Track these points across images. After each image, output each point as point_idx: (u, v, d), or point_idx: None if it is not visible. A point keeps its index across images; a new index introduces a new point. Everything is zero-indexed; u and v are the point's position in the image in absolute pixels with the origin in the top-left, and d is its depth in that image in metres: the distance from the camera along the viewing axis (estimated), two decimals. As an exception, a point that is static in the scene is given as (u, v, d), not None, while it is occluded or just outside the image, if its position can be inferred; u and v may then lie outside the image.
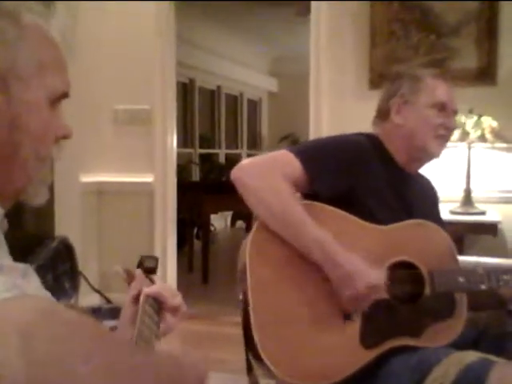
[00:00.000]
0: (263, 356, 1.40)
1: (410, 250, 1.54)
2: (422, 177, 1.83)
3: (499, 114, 3.33)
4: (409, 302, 1.52)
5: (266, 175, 1.53)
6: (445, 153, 3.52)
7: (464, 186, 3.40)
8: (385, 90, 1.78)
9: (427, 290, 1.51)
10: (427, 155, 1.71)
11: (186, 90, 7.16)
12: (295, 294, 1.47)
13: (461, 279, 1.51)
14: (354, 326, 1.47)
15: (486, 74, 3.48)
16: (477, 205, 3.40)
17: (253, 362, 1.49)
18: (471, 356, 1.39)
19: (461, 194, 3.41)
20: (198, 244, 5.57)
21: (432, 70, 1.78)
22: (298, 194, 1.58)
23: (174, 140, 4.18)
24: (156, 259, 1.40)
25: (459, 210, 3.39)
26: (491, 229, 3.31)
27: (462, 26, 3.48)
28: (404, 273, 1.52)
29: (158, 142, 4.05)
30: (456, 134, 3.27)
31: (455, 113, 1.73)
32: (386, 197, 1.62)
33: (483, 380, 1.30)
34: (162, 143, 4.06)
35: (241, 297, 1.49)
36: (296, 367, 1.43)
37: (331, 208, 1.54)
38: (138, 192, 4.10)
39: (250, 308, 1.43)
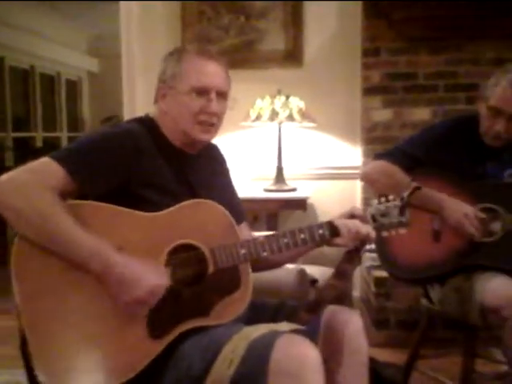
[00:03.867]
0: (41, 374, 1.35)
1: (189, 231, 1.52)
2: (207, 149, 1.76)
3: (305, 94, 3.50)
4: (194, 283, 1.52)
5: (26, 190, 1.40)
6: (257, 132, 3.67)
7: (276, 164, 3.53)
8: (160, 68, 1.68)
9: (210, 268, 1.52)
10: (194, 142, 1.65)
11: (-7, 70, 6.64)
12: (72, 301, 1.41)
13: (242, 251, 1.53)
14: (141, 319, 1.44)
15: (292, 56, 3.64)
16: (288, 182, 3.55)
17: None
18: (260, 329, 1.43)
19: (274, 172, 3.54)
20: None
21: (199, 47, 1.65)
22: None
23: (-24, 123, 3.85)
24: None
25: (272, 188, 3.53)
26: (301, 204, 3.49)
27: (268, 10, 3.59)
28: (185, 256, 1.51)
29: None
30: (266, 113, 3.39)
31: (222, 94, 1.63)
32: (167, 182, 1.57)
33: (269, 350, 1.34)
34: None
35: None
36: (83, 374, 1.39)
37: (102, 204, 1.47)
38: None
39: (23, 324, 1.36)
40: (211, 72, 1.61)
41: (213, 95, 1.60)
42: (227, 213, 1.58)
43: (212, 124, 1.62)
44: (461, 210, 2.09)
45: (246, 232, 1.80)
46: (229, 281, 1.53)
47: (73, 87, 8.72)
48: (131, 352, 1.42)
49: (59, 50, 7.79)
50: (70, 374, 1.38)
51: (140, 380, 1.43)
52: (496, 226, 2.12)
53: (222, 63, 1.64)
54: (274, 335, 1.39)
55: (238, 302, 1.53)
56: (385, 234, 1.65)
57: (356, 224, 1.60)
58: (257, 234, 1.87)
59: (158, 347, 1.44)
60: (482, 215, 2.11)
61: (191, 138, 1.63)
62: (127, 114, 3.70)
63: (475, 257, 2.11)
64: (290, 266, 2.11)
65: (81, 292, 1.42)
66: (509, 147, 2.20)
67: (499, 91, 2.08)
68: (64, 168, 1.44)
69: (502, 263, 2.07)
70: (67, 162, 1.46)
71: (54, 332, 1.39)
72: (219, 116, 1.64)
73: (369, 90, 3.50)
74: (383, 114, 3.50)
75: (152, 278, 1.42)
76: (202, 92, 1.60)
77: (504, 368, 2.22)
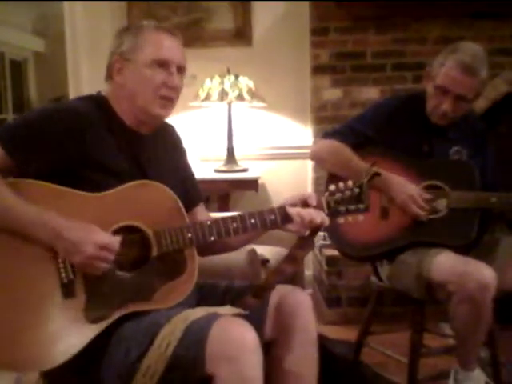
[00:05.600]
0: None
1: (134, 212, 1.48)
2: (162, 129, 1.71)
3: (255, 74, 3.47)
4: (137, 266, 1.48)
5: None
6: (206, 112, 3.63)
7: (227, 145, 3.51)
8: (112, 44, 1.61)
9: (154, 252, 1.48)
10: (151, 118, 1.60)
11: None
12: (4, 283, 1.39)
13: (189, 234, 1.50)
14: (78, 302, 1.41)
15: (241, 35, 3.60)
16: (239, 162, 3.53)
17: None
18: (199, 312, 1.42)
19: (224, 153, 3.52)
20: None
21: (156, 22, 1.61)
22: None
23: None
24: None
25: (223, 168, 3.51)
26: (253, 184, 3.48)
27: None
28: (128, 238, 1.47)
29: None
30: (216, 93, 3.35)
31: (181, 69, 1.60)
32: (116, 163, 1.53)
33: (206, 332, 1.33)
34: None
35: None
36: (16, 357, 1.37)
37: (43, 183, 1.44)
38: None
39: None
40: (172, 46, 1.58)
41: (173, 69, 1.57)
42: (174, 195, 1.54)
43: (171, 99, 1.58)
44: (406, 192, 2.11)
45: (202, 213, 1.77)
46: (173, 265, 1.50)
47: (18, 68, 8.45)
48: (65, 336, 1.39)
49: (3, 30, 7.53)
50: (10, 356, 1.37)
51: (79, 366, 1.41)
52: (442, 203, 2.15)
53: (179, 38, 1.62)
54: (212, 317, 1.38)
55: (182, 288, 1.50)
56: (341, 220, 1.62)
57: (310, 213, 1.55)
58: (213, 215, 1.85)
59: (94, 331, 1.41)
60: (427, 195, 2.13)
61: (148, 113, 1.57)
62: (73, 95, 3.61)
63: (422, 233, 2.14)
64: (240, 246, 2.10)
65: (12, 275, 1.39)
66: (454, 125, 2.23)
67: (446, 71, 2.10)
68: (1, 145, 1.42)
69: (447, 239, 2.11)
70: (4, 138, 1.43)
71: None
72: (178, 91, 1.61)
73: (318, 69, 3.48)
74: (332, 94, 3.50)
75: (99, 234, 1.40)
76: (164, 65, 1.56)
77: (452, 342, 2.27)
